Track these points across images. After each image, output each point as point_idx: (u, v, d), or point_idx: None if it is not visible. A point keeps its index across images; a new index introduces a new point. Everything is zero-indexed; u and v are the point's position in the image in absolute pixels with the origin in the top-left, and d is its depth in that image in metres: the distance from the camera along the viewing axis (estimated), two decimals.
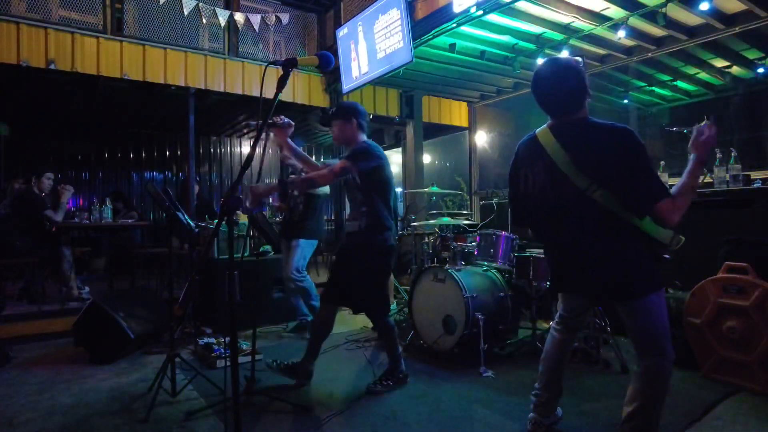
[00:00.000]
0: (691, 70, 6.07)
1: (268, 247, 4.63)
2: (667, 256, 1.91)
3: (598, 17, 4.51)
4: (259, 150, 1.69)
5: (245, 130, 8.58)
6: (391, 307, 4.87)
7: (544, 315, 3.74)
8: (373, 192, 2.72)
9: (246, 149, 9.20)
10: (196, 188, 6.29)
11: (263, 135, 1.66)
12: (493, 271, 3.56)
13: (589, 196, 1.76)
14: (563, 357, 2.17)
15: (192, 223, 3.05)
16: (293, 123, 2.76)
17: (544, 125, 1.97)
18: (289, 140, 2.77)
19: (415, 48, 4.42)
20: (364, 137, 2.84)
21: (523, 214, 2.10)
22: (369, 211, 2.71)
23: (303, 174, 3.08)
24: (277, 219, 5.93)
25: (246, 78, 5.52)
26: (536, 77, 1.93)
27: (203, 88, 5.26)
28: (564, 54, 5.13)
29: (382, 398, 2.71)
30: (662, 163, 3.93)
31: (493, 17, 4.41)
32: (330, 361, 3.39)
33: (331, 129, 2.86)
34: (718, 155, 3.61)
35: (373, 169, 2.70)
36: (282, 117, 2.74)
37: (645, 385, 1.84)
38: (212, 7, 5.17)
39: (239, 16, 5.31)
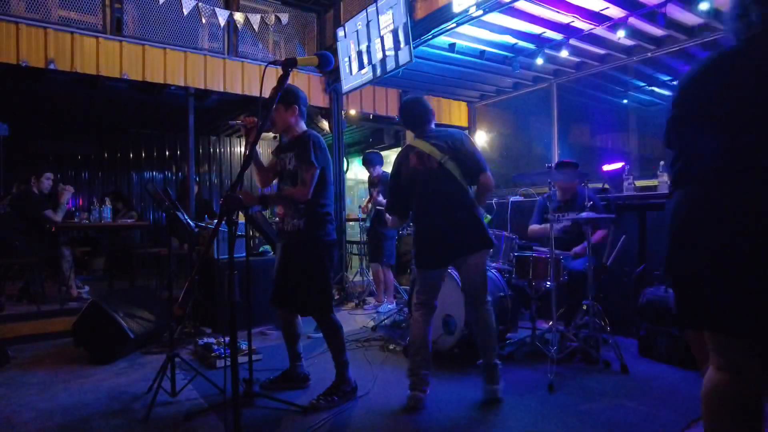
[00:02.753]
0: None
1: (267, 247, 4.63)
2: None
3: (598, 17, 4.52)
4: (245, 150, 1.67)
5: (230, 130, 8.57)
6: (391, 307, 4.90)
7: (544, 315, 3.74)
8: (316, 186, 2.57)
9: (245, 149, 9.20)
10: (195, 189, 6.29)
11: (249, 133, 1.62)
12: (492, 271, 3.55)
13: (444, 165, 2.61)
14: (428, 334, 2.69)
15: (192, 223, 3.05)
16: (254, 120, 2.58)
17: (412, 138, 2.82)
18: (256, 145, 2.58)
19: (414, 48, 4.42)
20: (304, 125, 2.72)
21: (401, 203, 2.81)
22: (309, 206, 2.59)
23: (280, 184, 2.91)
24: (277, 219, 5.94)
25: (245, 78, 5.52)
26: (407, 107, 2.85)
27: (203, 88, 5.25)
28: (564, 54, 5.15)
29: (381, 399, 2.70)
30: (662, 162, 3.93)
31: (493, 17, 4.41)
32: (330, 362, 3.39)
33: (269, 115, 2.52)
34: None
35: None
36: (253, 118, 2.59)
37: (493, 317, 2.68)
38: (212, 7, 5.16)
39: (239, 16, 5.31)
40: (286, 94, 2.61)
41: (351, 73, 5.26)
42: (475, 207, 2.63)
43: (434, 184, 2.62)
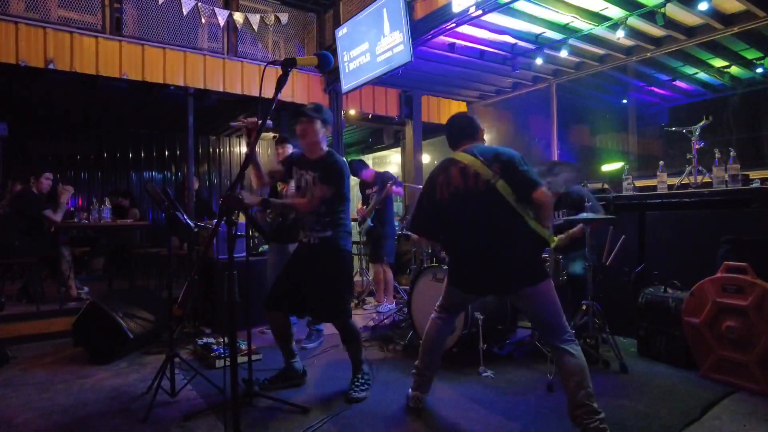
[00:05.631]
0: (690, 70, 6.08)
1: (267, 247, 4.62)
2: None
3: (597, 17, 4.52)
4: (245, 151, 1.67)
5: (230, 130, 8.56)
6: (391, 307, 4.90)
7: None
8: (337, 202, 2.69)
9: (245, 149, 9.20)
10: (196, 184, 6.29)
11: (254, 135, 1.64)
12: None
13: (493, 185, 2.20)
14: (444, 340, 2.60)
15: (191, 223, 3.04)
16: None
17: (455, 152, 2.45)
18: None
19: (414, 48, 4.42)
20: (325, 146, 2.80)
21: (431, 224, 2.47)
22: (333, 220, 2.70)
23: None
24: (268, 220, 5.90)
25: (245, 78, 5.52)
26: (452, 120, 2.57)
27: (202, 88, 5.25)
28: (563, 53, 5.15)
29: (380, 399, 2.71)
30: (661, 162, 3.93)
31: (492, 17, 4.42)
32: (329, 362, 3.40)
33: (299, 124, 2.71)
34: (717, 155, 3.62)
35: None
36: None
37: (578, 359, 2.14)
38: (211, 7, 5.16)
39: (238, 16, 5.31)
40: (326, 114, 2.75)
41: (350, 73, 5.26)
42: (531, 235, 2.20)
43: (481, 210, 2.24)
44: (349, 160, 5.33)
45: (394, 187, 4.97)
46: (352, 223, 6.63)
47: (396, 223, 5.32)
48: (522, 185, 2.21)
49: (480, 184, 2.24)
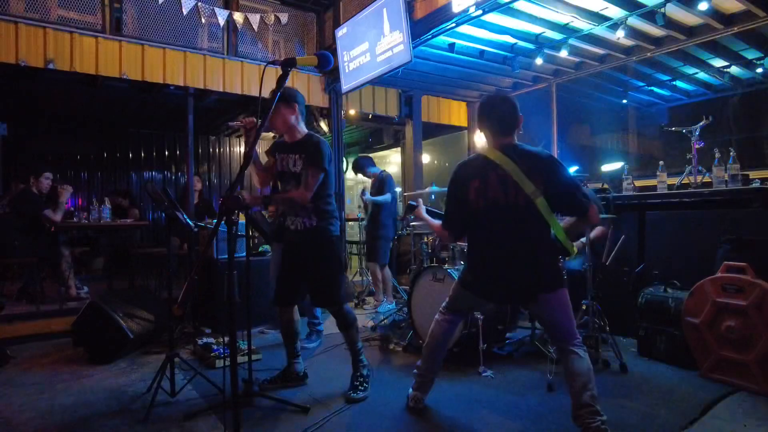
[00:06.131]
0: (690, 70, 6.08)
1: (266, 247, 4.63)
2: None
3: (597, 17, 4.52)
4: (246, 151, 1.67)
5: (229, 130, 8.57)
6: (391, 307, 4.90)
7: None
8: (323, 184, 2.66)
9: (245, 149, 9.20)
10: (199, 185, 6.29)
11: (256, 135, 1.65)
12: None
13: (532, 201, 2.09)
14: (449, 341, 2.59)
15: (191, 223, 3.04)
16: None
17: (488, 147, 2.30)
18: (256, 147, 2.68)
19: (414, 48, 4.42)
20: (304, 127, 2.77)
21: (461, 222, 2.34)
22: (316, 205, 2.67)
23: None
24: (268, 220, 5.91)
25: (245, 78, 5.52)
26: (492, 102, 2.34)
27: (202, 87, 5.25)
28: (563, 53, 5.15)
29: (380, 398, 2.71)
30: (661, 162, 3.93)
31: (492, 17, 4.42)
32: (329, 361, 3.40)
33: (270, 116, 2.53)
34: (717, 155, 3.62)
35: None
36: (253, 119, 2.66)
37: (585, 361, 2.14)
38: (211, 7, 5.16)
39: (238, 16, 5.31)
40: (285, 94, 2.65)
41: (350, 73, 5.25)
42: (554, 243, 2.16)
43: (516, 224, 2.14)
44: (357, 158, 5.34)
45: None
46: (351, 222, 6.69)
47: (398, 224, 5.32)
48: (570, 204, 2.14)
49: (520, 199, 2.11)
